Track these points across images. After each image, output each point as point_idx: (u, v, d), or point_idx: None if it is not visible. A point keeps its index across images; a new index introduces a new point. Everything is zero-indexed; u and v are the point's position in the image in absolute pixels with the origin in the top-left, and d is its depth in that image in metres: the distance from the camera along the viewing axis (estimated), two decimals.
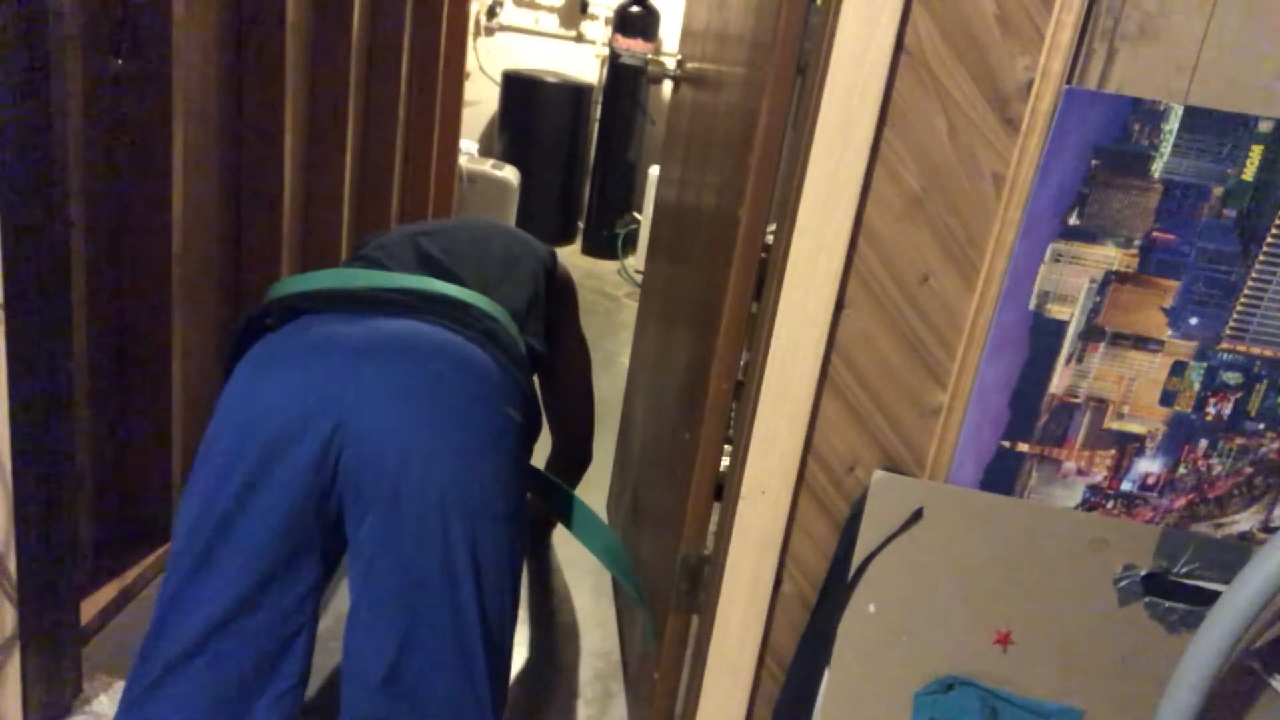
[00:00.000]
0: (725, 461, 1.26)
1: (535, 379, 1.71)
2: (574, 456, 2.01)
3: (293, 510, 1.10)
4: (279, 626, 1.13)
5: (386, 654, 1.12)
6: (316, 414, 1.08)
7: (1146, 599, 1.12)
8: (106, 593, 1.64)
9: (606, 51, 4.44)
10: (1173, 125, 1.01)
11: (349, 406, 1.08)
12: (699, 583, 1.31)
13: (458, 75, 3.30)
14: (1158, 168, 1.02)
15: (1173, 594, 1.12)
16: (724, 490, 1.22)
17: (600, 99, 4.46)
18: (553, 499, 1.45)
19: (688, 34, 1.93)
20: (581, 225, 4.62)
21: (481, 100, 4.61)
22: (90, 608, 1.58)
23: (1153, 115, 1.01)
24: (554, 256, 1.70)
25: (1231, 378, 1.09)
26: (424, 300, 1.23)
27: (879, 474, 1.12)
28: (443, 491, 1.09)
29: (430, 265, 1.35)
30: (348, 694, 1.15)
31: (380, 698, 1.12)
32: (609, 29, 4.42)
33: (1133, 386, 1.10)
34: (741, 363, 1.24)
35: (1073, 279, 1.07)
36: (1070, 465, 1.13)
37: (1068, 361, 1.09)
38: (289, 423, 1.09)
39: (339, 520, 1.14)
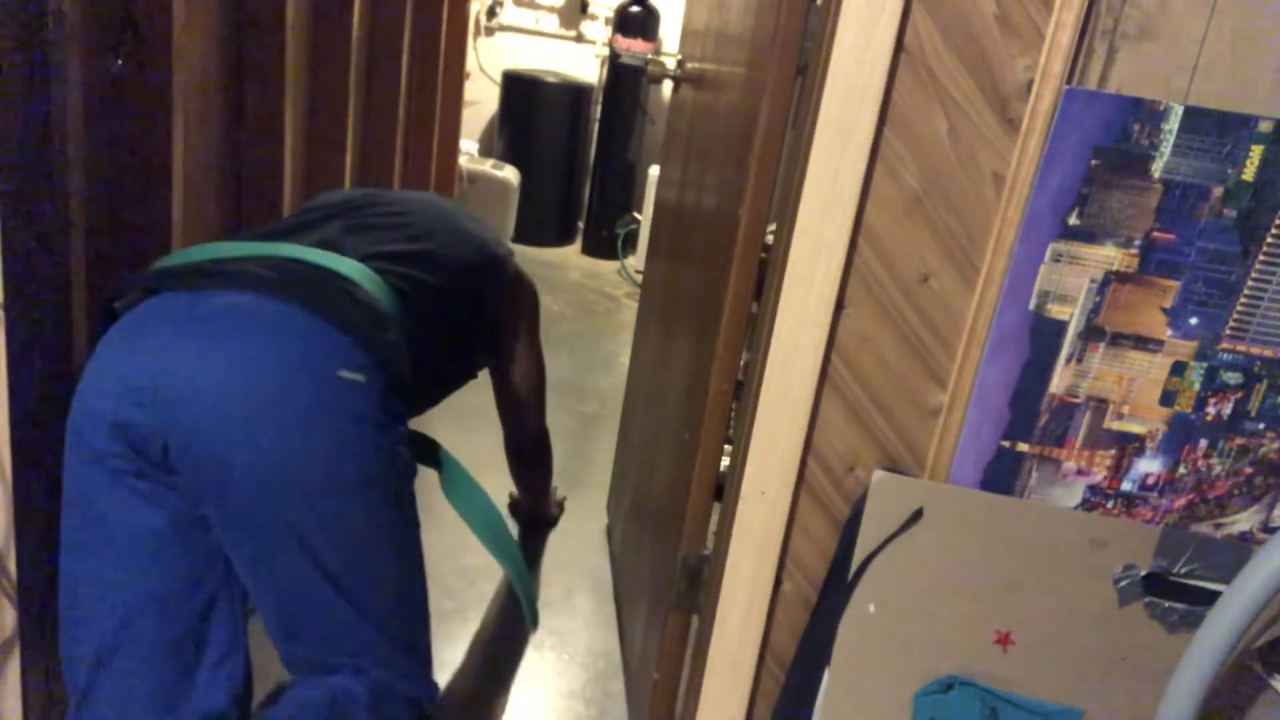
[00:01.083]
0: (725, 461, 1.26)
1: (473, 376, 1.70)
2: (527, 449, 1.99)
3: (135, 495, 1.09)
4: (187, 599, 1.13)
5: (273, 615, 1.13)
6: (134, 402, 1.07)
7: (1146, 599, 1.12)
8: None
9: (606, 51, 4.45)
10: (1173, 125, 1.01)
11: (160, 394, 1.07)
12: (699, 583, 1.31)
13: (458, 75, 3.30)
14: (1158, 168, 1.02)
15: (1173, 594, 1.12)
16: (724, 490, 1.22)
17: (600, 99, 4.46)
18: (429, 461, 1.40)
19: (688, 34, 1.93)
20: (581, 225, 4.62)
21: (481, 100, 4.61)
22: None
23: (1153, 115, 1.01)
24: (508, 258, 1.66)
25: (1231, 378, 1.09)
26: (257, 266, 1.19)
27: (879, 474, 1.12)
28: (271, 471, 1.07)
29: (318, 236, 1.30)
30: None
31: (294, 648, 1.15)
32: (609, 29, 4.42)
33: (1133, 386, 1.10)
34: (741, 363, 1.24)
35: (1073, 279, 1.07)
36: (1070, 465, 1.13)
37: (1068, 361, 1.09)
38: (105, 413, 1.08)
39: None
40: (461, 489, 1.40)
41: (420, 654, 1.24)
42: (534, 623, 1.57)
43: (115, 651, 1.12)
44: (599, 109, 4.47)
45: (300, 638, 1.15)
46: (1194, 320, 1.07)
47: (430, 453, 1.41)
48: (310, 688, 1.15)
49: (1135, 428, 1.11)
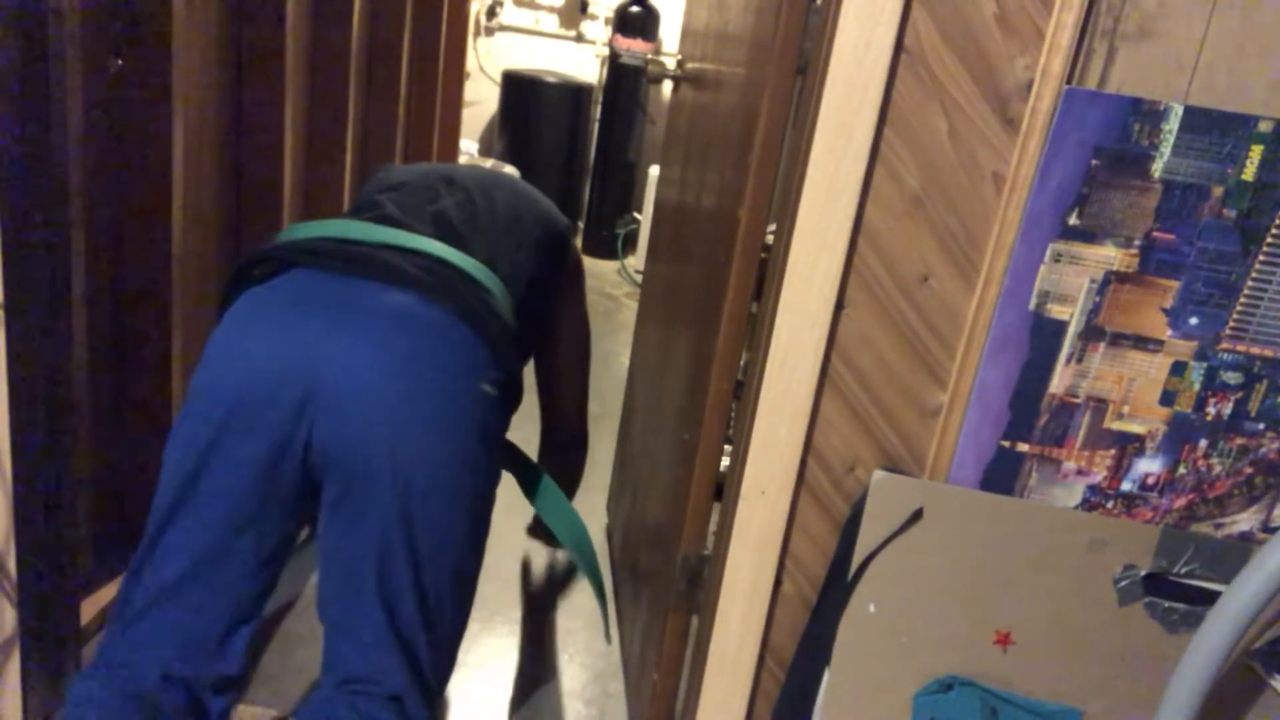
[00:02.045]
0: (725, 461, 1.26)
1: (531, 357, 1.68)
2: (563, 440, 1.86)
3: (260, 469, 1.11)
4: (249, 578, 1.15)
5: (342, 604, 1.15)
6: (288, 379, 1.09)
7: (1146, 599, 1.12)
8: (106, 593, 1.64)
9: (606, 51, 4.45)
10: (1173, 125, 1.01)
11: (321, 376, 1.09)
12: (699, 583, 1.31)
13: (458, 75, 3.30)
14: (1158, 168, 1.02)
15: (1173, 594, 1.12)
16: (724, 490, 1.22)
17: (600, 99, 4.47)
18: (521, 475, 1.42)
19: (688, 34, 1.93)
20: (581, 225, 4.62)
21: (481, 100, 4.61)
22: (90, 608, 1.58)
23: (1153, 115, 1.01)
24: (570, 234, 1.65)
25: (1231, 378, 1.09)
26: (413, 264, 1.21)
27: (879, 474, 1.12)
28: (404, 469, 1.10)
29: (441, 226, 1.33)
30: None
31: (347, 644, 1.16)
32: (609, 29, 4.42)
33: (1133, 386, 1.10)
34: (741, 363, 1.24)
35: (1073, 279, 1.07)
36: (1070, 465, 1.13)
37: (1068, 361, 1.09)
38: (260, 384, 1.10)
39: (311, 482, 1.16)
40: (550, 500, 1.41)
41: (444, 681, 1.24)
42: (610, 637, 1.58)
43: (172, 598, 1.13)
44: (599, 109, 4.47)
45: (359, 635, 1.15)
46: (1194, 320, 1.07)
47: (519, 462, 1.42)
48: (344, 710, 1.14)
49: (1135, 428, 1.11)
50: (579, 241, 4.58)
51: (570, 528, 1.43)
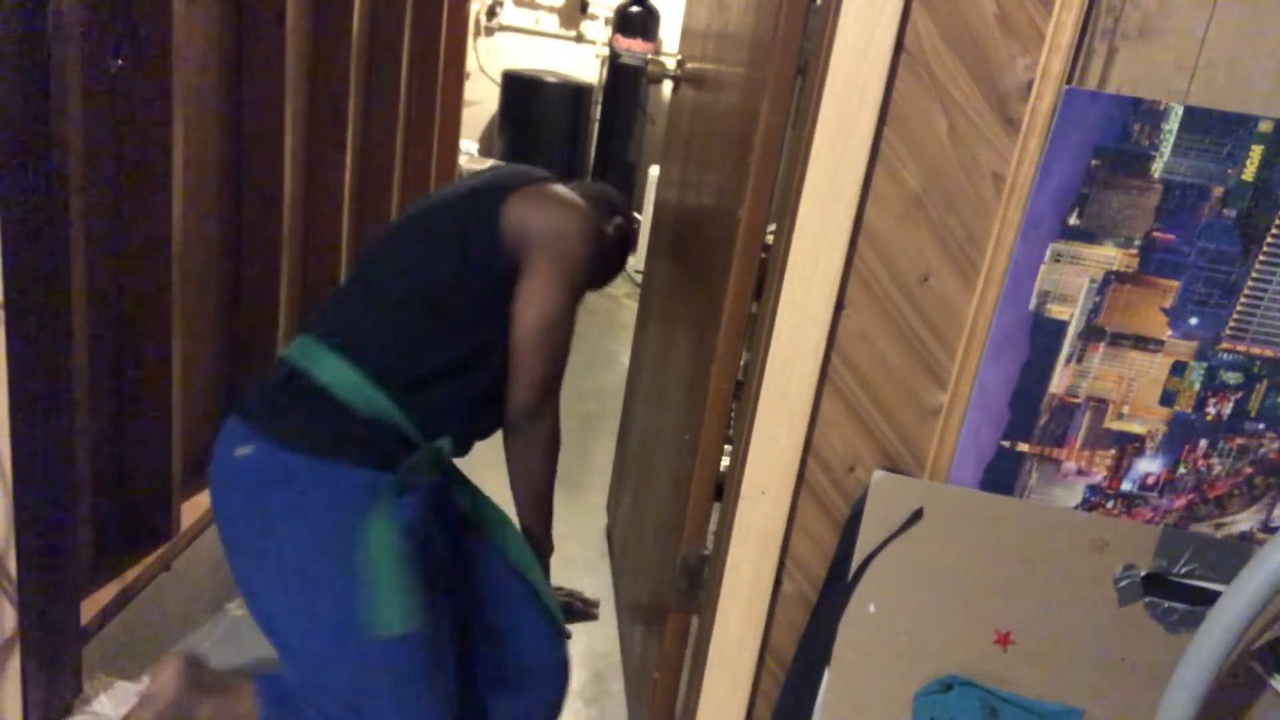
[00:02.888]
0: (725, 461, 1.26)
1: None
2: (509, 421, 1.35)
3: None
4: None
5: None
6: None
7: (1146, 599, 1.12)
8: (106, 593, 1.64)
9: (606, 51, 4.45)
10: (1173, 125, 1.01)
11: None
12: (699, 582, 1.31)
13: (458, 75, 3.30)
14: (1158, 168, 1.02)
15: (1173, 594, 1.12)
16: (724, 490, 1.22)
17: (600, 99, 4.47)
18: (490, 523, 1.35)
19: (688, 34, 1.93)
20: None
21: (481, 100, 4.61)
22: (90, 608, 1.58)
23: (1153, 115, 1.01)
24: (509, 185, 1.34)
25: (1231, 378, 1.09)
26: (274, 390, 1.31)
27: (879, 474, 1.12)
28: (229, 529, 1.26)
29: (330, 324, 1.34)
30: None
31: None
32: (609, 29, 4.42)
33: (1133, 386, 1.10)
34: (741, 363, 1.24)
35: (1073, 279, 1.07)
36: (1070, 465, 1.13)
37: (1068, 361, 1.09)
38: None
39: None
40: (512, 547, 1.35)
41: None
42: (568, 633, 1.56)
43: None
44: (599, 109, 4.47)
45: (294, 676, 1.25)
46: (1194, 320, 1.07)
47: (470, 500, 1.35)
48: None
49: (1135, 428, 1.11)
50: None
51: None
